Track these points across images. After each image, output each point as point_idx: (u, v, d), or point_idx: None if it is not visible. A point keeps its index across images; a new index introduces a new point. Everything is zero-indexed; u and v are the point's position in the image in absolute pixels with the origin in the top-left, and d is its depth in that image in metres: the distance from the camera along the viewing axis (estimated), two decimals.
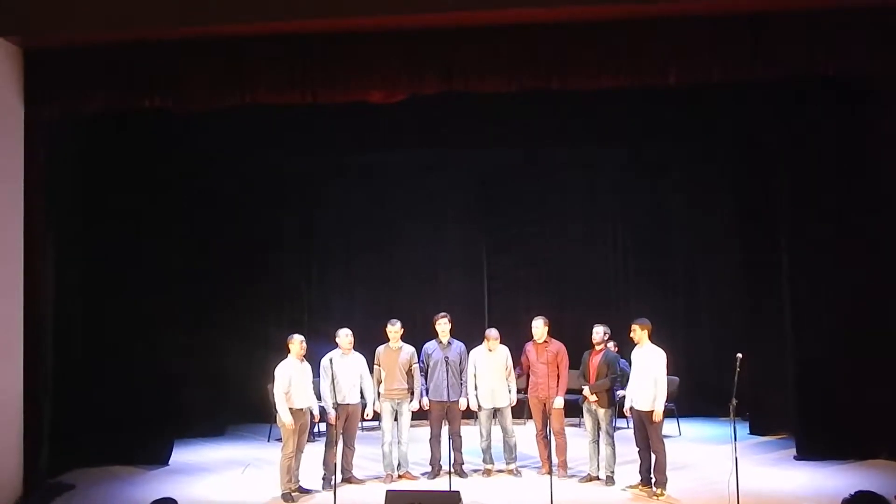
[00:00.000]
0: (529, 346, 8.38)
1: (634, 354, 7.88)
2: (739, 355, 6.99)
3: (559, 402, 8.18)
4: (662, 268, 11.30)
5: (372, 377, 8.33)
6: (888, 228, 8.37)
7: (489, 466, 8.46)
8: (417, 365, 8.35)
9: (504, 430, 8.42)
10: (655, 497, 7.52)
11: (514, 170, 11.31)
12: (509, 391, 8.41)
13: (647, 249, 11.33)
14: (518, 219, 11.37)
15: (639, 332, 7.78)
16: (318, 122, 9.79)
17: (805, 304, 8.94)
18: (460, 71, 7.64)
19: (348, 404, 8.05)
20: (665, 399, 7.71)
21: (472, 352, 8.49)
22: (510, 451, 8.44)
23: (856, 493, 3.46)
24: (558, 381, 8.20)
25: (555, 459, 8.12)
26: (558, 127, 10.15)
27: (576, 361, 8.34)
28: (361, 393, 8.24)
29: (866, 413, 8.54)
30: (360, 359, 8.26)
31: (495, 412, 8.40)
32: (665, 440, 7.90)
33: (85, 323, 9.09)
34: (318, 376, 8.09)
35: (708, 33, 7.41)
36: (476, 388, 8.38)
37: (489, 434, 8.43)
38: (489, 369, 8.37)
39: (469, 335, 8.80)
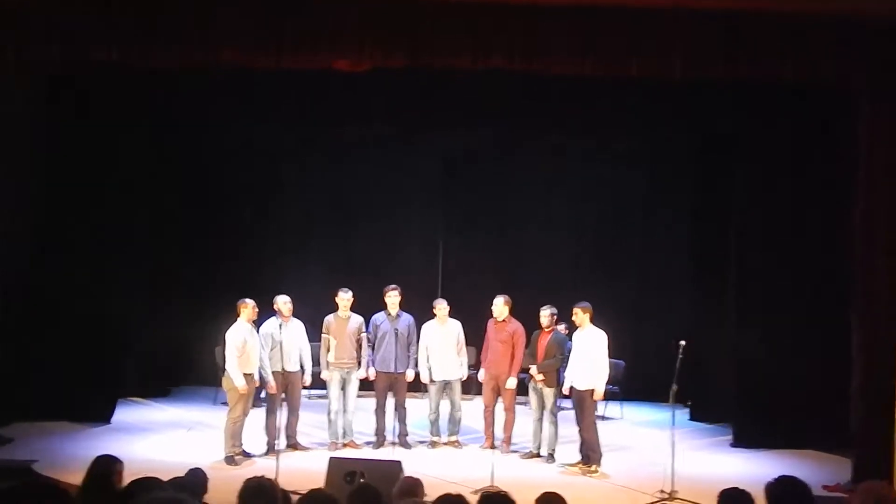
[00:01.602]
0: (490, 324, 8.45)
1: (576, 337, 8.03)
2: (682, 342, 7.17)
3: (511, 383, 8.26)
4: (616, 255, 11.46)
5: (320, 345, 8.36)
6: (834, 229, 8.57)
7: (435, 438, 8.56)
8: (365, 334, 8.38)
9: (452, 403, 8.52)
10: (590, 474, 7.70)
11: (479, 151, 11.30)
12: (461, 365, 8.48)
13: (603, 236, 11.49)
14: (478, 199, 11.40)
15: (580, 315, 7.92)
16: (282, 94, 9.62)
17: (749, 298, 9.17)
18: (427, 45, 7.56)
19: (291, 372, 8.04)
20: (606, 380, 7.87)
21: (423, 326, 8.54)
22: (455, 423, 8.56)
23: (778, 478, 3.60)
24: (511, 361, 8.27)
25: (500, 434, 8.25)
26: (525, 112, 10.12)
27: (527, 341, 8.45)
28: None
29: (800, 405, 8.81)
30: (300, 326, 8.26)
31: (445, 385, 8.48)
32: (607, 422, 8.10)
33: (31, 276, 8.94)
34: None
35: (677, 27, 7.46)
36: (428, 362, 8.44)
37: (438, 407, 8.52)
38: (440, 343, 8.44)
39: (422, 310, 8.84)
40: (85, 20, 7.45)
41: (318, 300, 9.06)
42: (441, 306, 8.53)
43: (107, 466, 4.23)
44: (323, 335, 8.36)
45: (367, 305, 8.72)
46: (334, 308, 8.43)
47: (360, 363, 8.37)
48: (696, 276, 10.56)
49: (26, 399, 8.65)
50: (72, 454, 7.55)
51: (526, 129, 10.71)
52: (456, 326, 8.52)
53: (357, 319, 8.40)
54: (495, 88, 9.23)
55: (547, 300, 8.44)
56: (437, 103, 9.83)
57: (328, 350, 8.31)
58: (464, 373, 8.52)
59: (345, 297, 8.35)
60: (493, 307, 8.40)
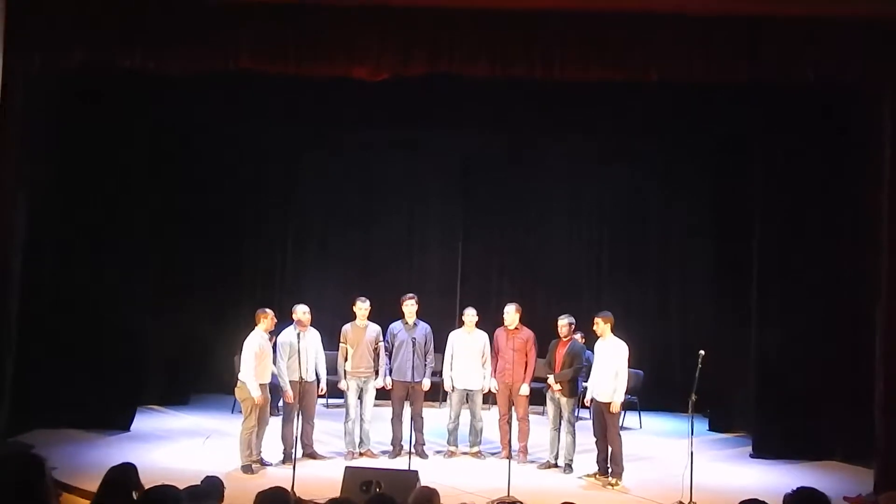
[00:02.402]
0: (500, 332, 8.44)
1: (597, 347, 7.98)
2: (702, 352, 7.12)
3: (524, 390, 8.26)
4: (636, 262, 11.39)
5: (337, 354, 8.38)
6: (857, 236, 8.48)
7: (453, 448, 8.53)
8: (382, 343, 8.38)
9: (473, 414, 8.50)
10: (610, 486, 7.63)
11: (497, 155, 11.31)
12: (483, 377, 8.46)
13: (623, 243, 11.43)
14: (496, 204, 11.39)
15: (601, 326, 7.87)
16: (299, 96, 9.72)
17: (770, 307, 9.07)
18: (446, 53, 7.60)
19: (308, 381, 8.05)
20: (625, 391, 7.82)
21: (451, 334, 8.56)
22: (476, 434, 8.53)
23: (797, 489, 3.55)
24: (525, 369, 8.27)
25: (516, 444, 8.21)
26: (544, 115, 10.16)
27: (543, 350, 8.43)
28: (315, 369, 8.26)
29: (821, 415, 8.72)
30: (315, 335, 8.27)
31: (466, 395, 8.46)
32: (626, 432, 8.04)
33: (54, 284, 9.03)
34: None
35: (693, 32, 7.45)
36: (451, 370, 8.43)
37: (458, 416, 8.50)
38: (466, 351, 8.43)
39: (440, 317, 8.88)
40: (108, 27, 7.54)
41: (336, 308, 9.08)
42: (470, 314, 8.52)
43: (122, 475, 4.23)
44: (341, 344, 8.37)
45: (386, 313, 8.73)
46: (351, 316, 8.44)
47: (377, 372, 8.37)
48: (715, 284, 10.48)
49: (46, 407, 8.72)
50: (91, 461, 7.59)
51: (543, 132, 10.74)
52: (482, 337, 8.51)
53: (374, 328, 8.40)
54: (513, 91, 9.24)
55: (565, 308, 8.43)
56: (458, 106, 9.85)
57: (346, 359, 8.32)
58: (486, 384, 8.48)
59: (362, 307, 8.37)
60: (504, 315, 8.40)
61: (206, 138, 10.68)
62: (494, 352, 8.43)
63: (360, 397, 8.34)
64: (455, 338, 8.52)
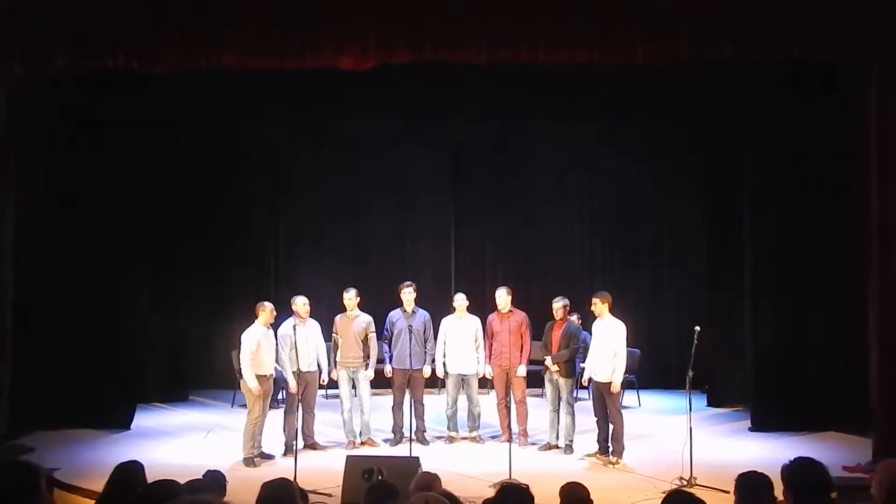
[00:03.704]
0: (493, 317, 8.46)
1: (595, 327, 7.99)
2: (697, 328, 7.15)
3: (522, 371, 8.30)
4: (629, 243, 11.43)
5: (330, 344, 8.41)
6: (848, 216, 8.49)
7: (453, 434, 8.57)
8: (373, 334, 8.38)
9: (470, 399, 8.52)
10: (611, 465, 7.67)
11: (488, 142, 11.30)
12: (478, 361, 8.48)
13: (615, 225, 11.46)
14: (488, 191, 11.40)
15: (599, 305, 7.86)
16: (290, 89, 9.70)
17: (764, 283, 9.12)
18: (431, 39, 7.57)
19: (308, 372, 8.08)
20: (624, 371, 7.84)
21: (442, 321, 8.56)
22: (474, 419, 8.56)
23: (794, 459, 3.56)
24: (521, 351, 8.31)
25: (516, 427, 8.24)
26: (533, 101, 10.16)
27: (539, 333, 8.46)
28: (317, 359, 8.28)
29: (819, 387, 8.77)
30: (316, 326, 8.29)
31: (462, 381, 8.48)
32: (624, 411, 8.08)
33: (47, 285, 9.02)
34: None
35: (680, 11, 7.41)
36: (444, 356, 8.45)
37: (455, 402, 8.53)
38: (458, 337, 8.44)
39: (436, 305, 8.87)
40: (89, 29, 7.48)
41: (331, 299, 9.08)
42: (459, 300, 8.53)
43: (129, 473, 4.23)
44: (333, 335, 8.40)
45: (383, 303, 8.73)
46: (345, 307, 8.44)
47: (368, 362, 8.38)
48: (710, 261, 10.50)
49: (46, 408, 8.72)
50: (92, 461, 7.61)
51: (533, 119, 10.72)
52: (474, 322, 8.52)
53: (364, 318, 8.41)
54: (502, 78, 9.21)
55: (560, 292, 8.43)
56: (448, 94, 9.84)
57: (337, 349, 8.35)
58: (479, 369, 8.51)
59: (346, 297, 8.38)
60: (496, 299, 8.41)
61: (196, 134, 10.63)
62: (489, 336, 8.45)
63: (353, 387, 8.35)
64: (447, 324, 8.54)
